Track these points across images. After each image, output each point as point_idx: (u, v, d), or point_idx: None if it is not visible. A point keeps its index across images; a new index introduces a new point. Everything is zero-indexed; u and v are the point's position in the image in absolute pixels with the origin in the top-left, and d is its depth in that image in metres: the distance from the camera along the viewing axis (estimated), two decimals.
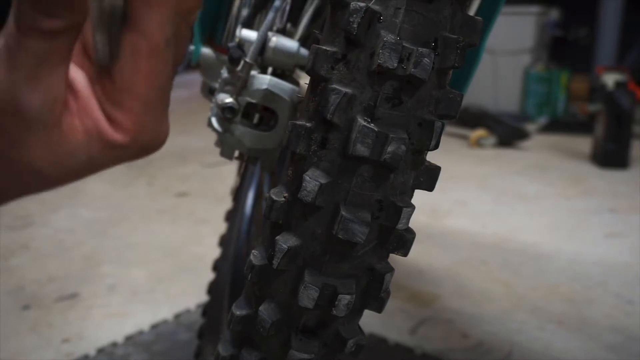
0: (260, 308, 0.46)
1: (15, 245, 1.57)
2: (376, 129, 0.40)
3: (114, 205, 1.94)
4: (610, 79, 2.72)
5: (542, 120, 3.44)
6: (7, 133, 0.30)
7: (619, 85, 2.45)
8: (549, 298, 1.28)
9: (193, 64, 0.73)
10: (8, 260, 1.47)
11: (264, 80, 0.63)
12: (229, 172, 2.05)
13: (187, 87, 4.98)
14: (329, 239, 0.43)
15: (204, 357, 0.87)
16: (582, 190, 2.11)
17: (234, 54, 0.62)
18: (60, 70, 0.29)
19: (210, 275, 0.99)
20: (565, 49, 3.97)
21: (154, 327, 1.14)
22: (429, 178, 0.46)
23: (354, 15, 0.40)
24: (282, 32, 0.68)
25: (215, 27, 0.71)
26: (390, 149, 0.41)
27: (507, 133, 2.78)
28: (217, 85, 0.66)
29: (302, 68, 0.66)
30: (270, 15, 0.63)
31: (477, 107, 2.99)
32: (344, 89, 0.41)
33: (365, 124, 0.41)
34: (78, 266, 1.44)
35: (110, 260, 1.48)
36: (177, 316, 1.18)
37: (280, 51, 0.63)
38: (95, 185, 2.09)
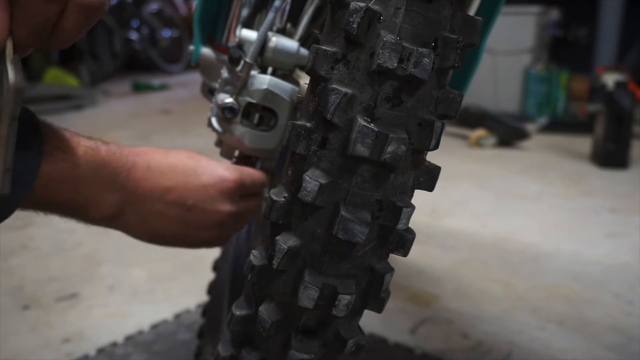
0: (260, 308, 0.46)
1: (15, 245, 1.57)
2: (376, 129, 0.40)
3: None
4: (610, 79, 2.72)
5: (542, 120, 3.44)
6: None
7: (619, 85, 2.45)
8: (549, 298, 1.28)
9: (193, 64, 0.73)
10: (8, 260, 1.47)
11: (264, 80, 0.63)
12: None
13: (187, 87, 4.98)
14: (329, 239, 0.43)
15: (204, 357, 0.87)
16: (582, 190, 2.11)
17: (234, 54, 0.62)
18: None
19: (210, 275, 0.98)
20: (565, 49, 3.97)
21: (154, 327, 1.14)
22: (429, 178, 0.46)
23: (354, 15, 0.40)
24: (282, 32, 0.68)
25: (215, 27, 0.71)
26: (390, 149, 0.41)
27: (507, 133, 2.78)
28: (217, 85, 0.66)
29: (302, 68, 0.66)
30: (270, 15, 0.63)
31: (477, 107, 2.98)
32: (344, 89, 0.41)
33: (365, 124, 0.41)
34: (78, 266, 1.44)
35: (110, 260, 1.48)
36: (177, 316, 1.18)
37: (280, 51, 0.64)
38: None
